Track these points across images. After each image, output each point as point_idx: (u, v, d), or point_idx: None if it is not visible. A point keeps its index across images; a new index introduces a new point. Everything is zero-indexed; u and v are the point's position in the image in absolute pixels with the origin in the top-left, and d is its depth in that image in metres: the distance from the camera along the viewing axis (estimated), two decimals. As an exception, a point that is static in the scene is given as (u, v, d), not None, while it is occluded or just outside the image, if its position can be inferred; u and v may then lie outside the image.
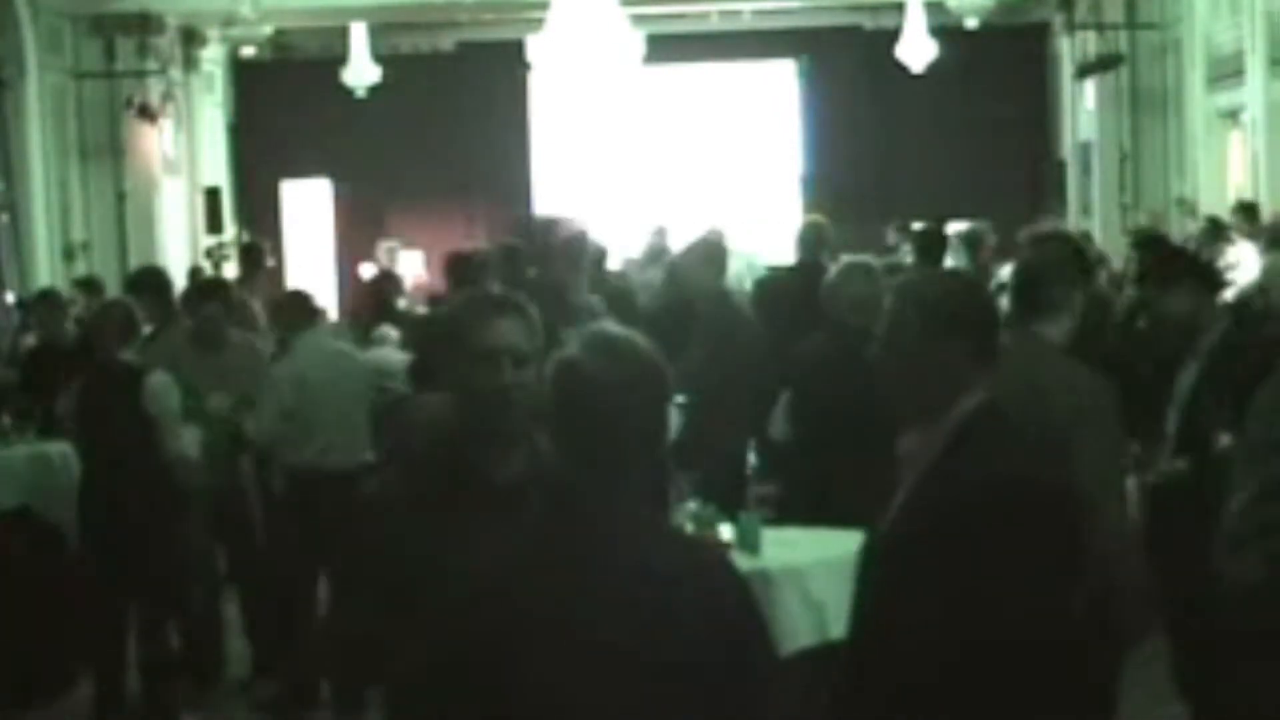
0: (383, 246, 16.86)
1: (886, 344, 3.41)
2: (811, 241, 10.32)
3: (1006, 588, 3.09)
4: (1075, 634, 3.19)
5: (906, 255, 12.94)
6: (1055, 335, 5.32)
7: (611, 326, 3.15)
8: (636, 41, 16.83)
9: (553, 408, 2.93)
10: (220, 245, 20.02)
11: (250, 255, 13.76)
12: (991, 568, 3.10)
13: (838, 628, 5.76)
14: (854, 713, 3.34)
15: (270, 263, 13.87)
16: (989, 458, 3.23)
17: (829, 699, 3.42)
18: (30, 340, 11.10)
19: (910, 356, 3.34)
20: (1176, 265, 6.37)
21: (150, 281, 9.50)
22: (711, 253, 8.61)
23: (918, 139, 22.53)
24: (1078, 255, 6.41)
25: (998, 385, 3.46)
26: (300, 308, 8.71)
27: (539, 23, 16.83)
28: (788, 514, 6.74)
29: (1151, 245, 10.93)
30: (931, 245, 9.96)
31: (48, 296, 10.89)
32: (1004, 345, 3.60)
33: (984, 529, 3.13)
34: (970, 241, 12.98)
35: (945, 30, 21.43)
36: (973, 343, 3.36)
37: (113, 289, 12.75)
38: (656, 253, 13.52)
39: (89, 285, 13.55)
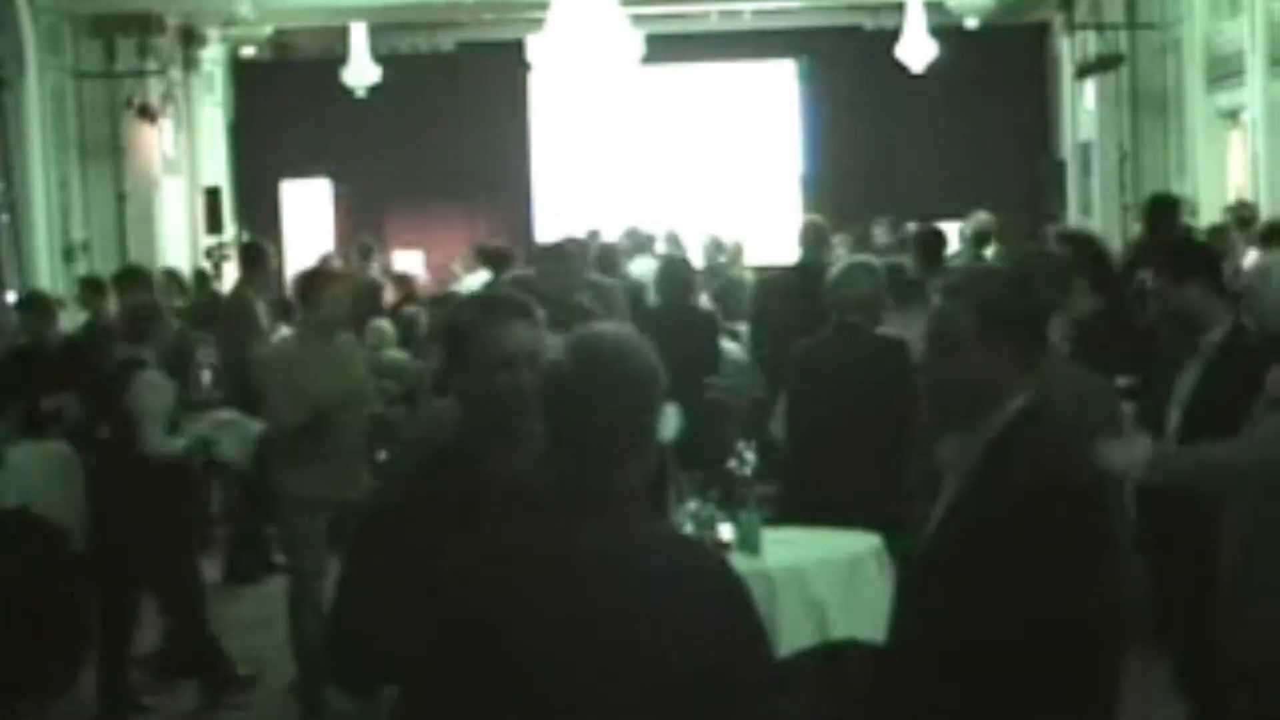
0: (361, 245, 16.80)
1: (939, 348, 3.31)
2: (811, 241, 10.33)
3: (1056, 588, 3.07)
4: (1106, 633, 3.19)
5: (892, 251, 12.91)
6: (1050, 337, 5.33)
7: (605, 326, 3.16)
8: (636, 41, 16.82)
9: (544, 406, 2.95)
10: (220, 245, 20.00)
11: (250, 254, 13.47)
12: (1044, 569, 3.07)
13: (838, 628, 5.78)
14: (896, 716, 3.31)
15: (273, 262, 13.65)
16: (1039, 462, 3.17)
17: (867, 703, 3.39)
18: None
19: (965, 360, 3.25)
20: (1193, 259, 6.28)
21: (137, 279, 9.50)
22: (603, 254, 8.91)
23: (918, 139, 22.51)
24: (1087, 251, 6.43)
25: None
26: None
27: (539, 23, 16.83)
28: (788, 514, 6.74)
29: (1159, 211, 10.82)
30: (931, 244, 9.95)
31: (36, 299, 10.83)
32: None
33: (1037, 534, 3.09)
34: (977, 239, 12.99)
35: (945, 30, 21.43)
36: (1023, 345, 3.28)
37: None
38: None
39: (93, 284, 13.48)
